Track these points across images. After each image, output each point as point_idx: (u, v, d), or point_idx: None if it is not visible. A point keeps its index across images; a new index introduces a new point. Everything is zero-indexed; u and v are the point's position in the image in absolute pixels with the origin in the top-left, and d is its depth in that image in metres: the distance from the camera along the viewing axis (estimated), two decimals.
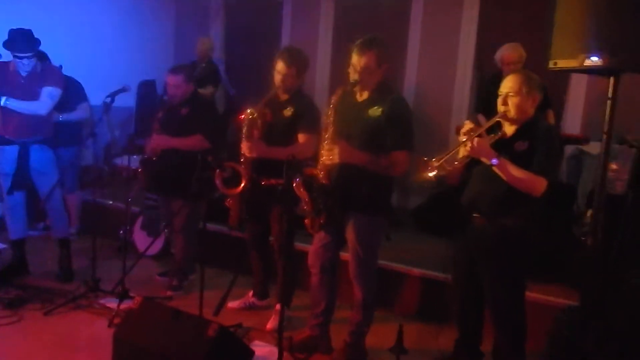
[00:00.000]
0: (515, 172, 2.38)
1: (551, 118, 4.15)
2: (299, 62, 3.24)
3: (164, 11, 7.15)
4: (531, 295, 3.02)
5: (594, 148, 4.06)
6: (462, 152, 2.48)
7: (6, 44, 3.67)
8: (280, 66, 3.20)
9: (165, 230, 4.25)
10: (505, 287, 2.55)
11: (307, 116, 3.24)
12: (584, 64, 2.32)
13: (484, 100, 4.25)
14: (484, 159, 2.43)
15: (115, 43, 6.34)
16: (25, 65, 3.72)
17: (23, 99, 3.69)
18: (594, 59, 2.28)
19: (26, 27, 3.77)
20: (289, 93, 3.27)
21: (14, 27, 3.72)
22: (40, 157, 3.85)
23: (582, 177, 4.25)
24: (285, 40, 6.56)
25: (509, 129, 2.54)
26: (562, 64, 2.43)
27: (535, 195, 2.41)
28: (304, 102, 3.29)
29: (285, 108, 3.25)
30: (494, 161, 2.39)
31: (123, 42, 6.43)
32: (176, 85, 3.69)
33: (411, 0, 5.88)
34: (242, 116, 3.19)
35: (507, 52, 4.17)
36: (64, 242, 4.08)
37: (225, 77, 6.98)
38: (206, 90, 5.67)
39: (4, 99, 3.66)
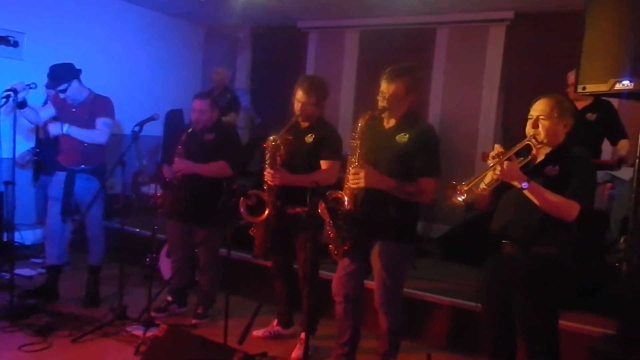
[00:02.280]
0: (546, 196, 2.33)
1: (623, 149, 3.91)
2: (318, 90, 3.25)
3: (192, 42, 7.35)
4: (563, 323, 2.90)
5: (625, 173, 3.96)
6: (491, 176, 2.42)
7: (47, 83, 3.87)
8: (299, 94, 3.22)
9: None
10: (539, 317, 2.45)
11: (329, 143, 3.25)
12: (615, 88, 2.28)
13: None
14: (514, 183, 2.37)
15: (145, 73, 6.54)
16: (72, 95, 3.89)
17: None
18: (625, 82, 2.24)
19: (63, 58, 3.95)
20: (310, 121, 3.29)
21: (55, 63, 3.89)
22: (85, 186, 3.94)
23: (615, 203, 4.14)
24: (310, 70, 6.66)
25: (538, 153, 2.49)
26: (592, 88, 2.39)
27: (568, 220, 2.34)
28: (325, 129, 3.30)
29: (307, 135, 3.27)
30: (525, 185, 2.33)
31: (152, 72, 6.63)
32: (202, 110, 3.73)
33: (435, 29, 5.94)
34: (265, 144, 3.22)
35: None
36: (95, 269, 4.14)
37: (250, 106, 7.10)
38: (229, 118, 5.76)
39: (66, 126, 3.81)
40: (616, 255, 3.63)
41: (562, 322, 2.69)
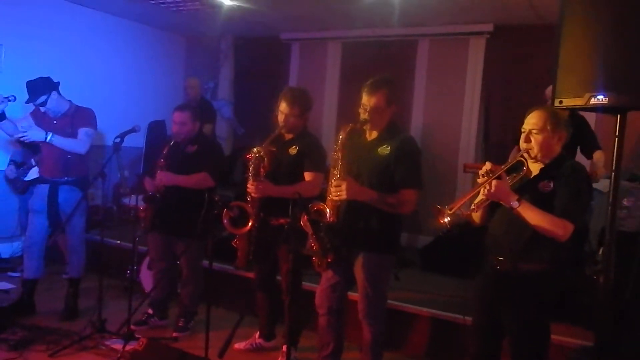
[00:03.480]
0: (537, 215, 2.25)
1: (600, 161, 3.93)
2: (302, 102, 3.27)
3: (174, 52, 7.33)
4: None
5: (604, 185, 4.02)
6: (480, 195, 2.35)
7: (27, 99, 3.83)
8: (283, 106, 3.24)
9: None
10: (531, 333, 2.41)
11: (312, 155, 3.26)
12: (590, 103, 2.29)
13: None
14: (504, 203, 2.32)
15: (127, 84, 6.50)
16: (53, 108, 3.85)
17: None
18: (600, 97, 2.26)
19: (42, 70, 3.90)
20: (294, 132, 3.30)
21: (30, 79, 3.84)
22: (68, 197, 3.90)
23: (593, 215, 4.20)
24: (292, 81, 6.67)
25: (533, 168, 2.43)
26: (568, 102, 2.39)
27: (560, 240, 2.27)
28: (309, 141, 3.31)
29: (291, 146, 3.28)
30: (514, 204, 2.26)
31: (134, 83, 6.59)
32: (183, 122, 3.72)
33: (417, 41, 6.01)
34: (249, 155, 3.22)
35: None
36: (74, 282, 4.08)
37: (233, 117, 7.09)
38: (205, 129, 5.73)
39: (50, 134, 3.76)
40: (594, 267, 3.67)
41: None
